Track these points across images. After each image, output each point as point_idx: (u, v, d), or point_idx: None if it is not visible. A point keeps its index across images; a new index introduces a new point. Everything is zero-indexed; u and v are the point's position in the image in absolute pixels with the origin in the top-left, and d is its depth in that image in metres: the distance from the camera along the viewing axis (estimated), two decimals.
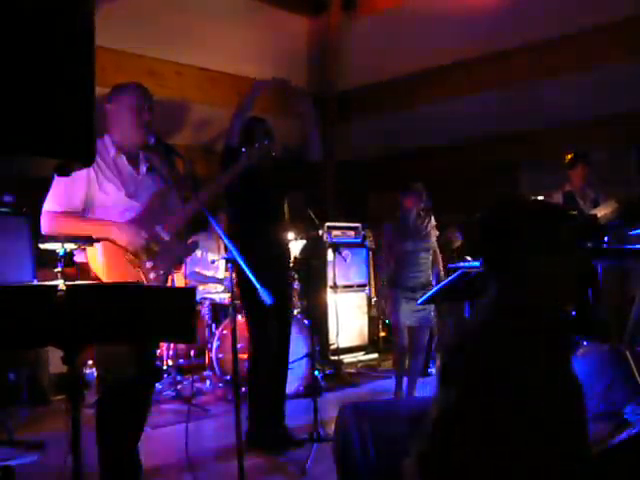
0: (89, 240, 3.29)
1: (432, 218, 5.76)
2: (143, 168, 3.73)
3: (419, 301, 5.18)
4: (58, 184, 3.41)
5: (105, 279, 3.41)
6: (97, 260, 3.44)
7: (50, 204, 3.44)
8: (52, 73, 1.66)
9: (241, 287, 4.71)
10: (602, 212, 6.21)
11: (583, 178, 6.56)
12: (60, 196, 3.43)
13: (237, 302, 4.16)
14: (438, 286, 4.72)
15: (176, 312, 2.51)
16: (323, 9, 8.63)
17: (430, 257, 5.68)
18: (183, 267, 6.51)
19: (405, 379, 5.65)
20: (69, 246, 3.23)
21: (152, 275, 3.53)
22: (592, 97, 7.55)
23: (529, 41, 7.42)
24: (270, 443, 4.82)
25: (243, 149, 4.52)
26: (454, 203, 8.48)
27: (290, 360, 5.58)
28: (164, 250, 3.63)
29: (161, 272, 3.59)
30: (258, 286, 3.60)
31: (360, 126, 9.42)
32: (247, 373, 5.14)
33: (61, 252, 3.23)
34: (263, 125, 5.07)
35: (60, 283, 2.28)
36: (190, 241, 3.90)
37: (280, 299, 4.88)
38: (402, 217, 5.61)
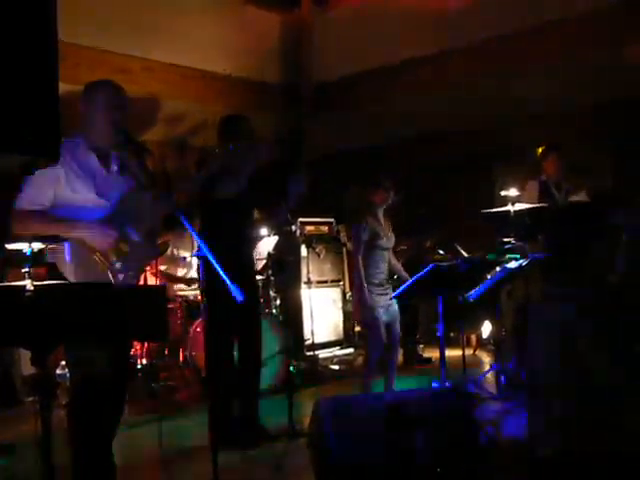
0: (56, 239, 3.25)
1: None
2: (114, 167, 3.68)
3: (393, 295, 5.19)
4: (27, 182, 3.36)
5: (73, 279, 3.37)
6: (65, 260, 3.40)
7: (19, 202, 3.39)
8: (13, 70, 1.63)
9: (207, 286, 4.58)
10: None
11: (556, 168, 6.62)
12: (29, 194, 3.38)
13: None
14: (411, 281, 4.71)
15: (147, 311, 2.49)
16: (294, 3, 8.61)
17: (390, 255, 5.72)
18: (154, 266, 6.53)
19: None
20: (36, 245, 3.19)
21: (121, 276, 3.48)
22: (561, 90, 7.61)
23: (498, 34, 7.45)
24: (241, 441, 4.81)
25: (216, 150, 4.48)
26: (429, 196, 8.54)
27: (264, 356, 5.55)
28: (134, 251, 3.59)
29: (130, 273, 3.55)
30: (229, 282, 3.55)
31: (334, 120, 9.41)
32: (206, 374, 5.12)
33: (28, 252, 3.19)
34: (245, 124, 5.01)
35: (28, 283, 2.25)
36: (161, 241, 3.86)
37: (245, 300, 4.88)
38: (373, 214, 5.60)
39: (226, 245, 4.78)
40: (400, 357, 7.15)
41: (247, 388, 5.03)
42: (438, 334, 5.01)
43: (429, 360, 7.77)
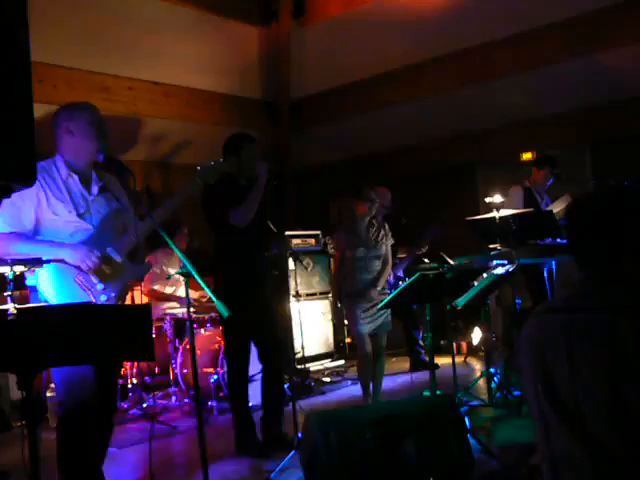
0: (38, 262, 3.23)
1: (386, 227, 5.75)
2: (95, 188, 3.65)
3: (379, 306, 5.17)
4: (6, 205, 3.34)
5: (55, 302, 3.36)
6: (47, 282, 3.39)
7: None
8: None
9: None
10: (558, 208, 6.32)
11: (544, 181, 6.74)
12: (9, 217, 3.36)
13: (194, 316, 4.12)
14: (396, 290, 4.71)
15: (132, 330, 2.47)
16: (273, 18, 8.65)
17: (381, 264, 5.66)
18: (143, 284, 6.51)
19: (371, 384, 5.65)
20: (18, 268, 3.16)
21: (103, 297, 3.47)
22: (541, 96, 7.67)
23: (477, 43, 7.52)
24: (256, 448, 4.87)
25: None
26: (414, 204, 8.55)
27: (254, 372, 5.56)
28: (116, 272, 3.56)
29: (113, 294, 3.53)
30: (215, 300, 3.56)
31: (315, 133, 9.44)
32: (227, 382, 5.43)
33: (10, 275, 3.17)
34: (252, 146, 4.98)
35: (11, 307, 2.24)
36: (144, 261, 3.84)
37: (263, 312, 4.96)
38: (354, 224, 5.60)
39: (243, 267, 4.83)
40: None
41: (272, 399, 5.09)
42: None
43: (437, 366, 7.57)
